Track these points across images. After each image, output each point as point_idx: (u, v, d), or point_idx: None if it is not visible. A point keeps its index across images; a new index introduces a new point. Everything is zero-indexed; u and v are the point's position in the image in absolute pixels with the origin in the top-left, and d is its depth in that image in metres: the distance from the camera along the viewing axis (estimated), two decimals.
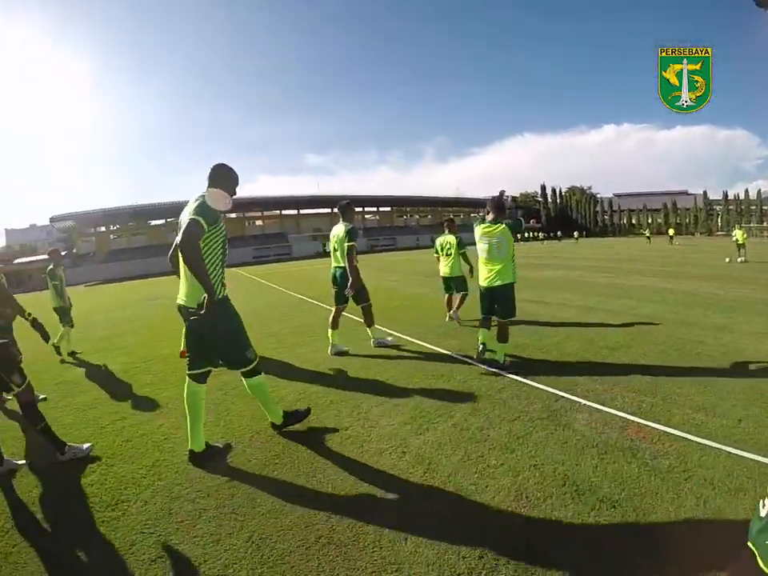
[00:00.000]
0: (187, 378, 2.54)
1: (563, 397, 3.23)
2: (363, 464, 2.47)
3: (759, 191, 57.11)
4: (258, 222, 58.51)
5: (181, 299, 2.48)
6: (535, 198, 73.14)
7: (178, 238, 2.28)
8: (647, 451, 2.41)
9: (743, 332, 4.85)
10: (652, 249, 26.61)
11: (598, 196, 74.82)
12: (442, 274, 6.15)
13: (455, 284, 6.03)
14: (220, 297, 2.39)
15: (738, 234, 16.00)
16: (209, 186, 2.47)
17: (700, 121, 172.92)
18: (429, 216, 62.97)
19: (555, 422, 2.83)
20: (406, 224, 60.62)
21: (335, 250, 4.52)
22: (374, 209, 59.34)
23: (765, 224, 49.56)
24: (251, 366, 2.59)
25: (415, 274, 15.01)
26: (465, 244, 6.06)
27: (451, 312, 6.08)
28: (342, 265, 4.44)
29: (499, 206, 3.84)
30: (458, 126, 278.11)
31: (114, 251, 47.00)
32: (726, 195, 60.60)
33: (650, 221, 62.66)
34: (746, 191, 58.59)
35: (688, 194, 67.41)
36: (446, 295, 6.21)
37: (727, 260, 14.55)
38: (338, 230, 4.49)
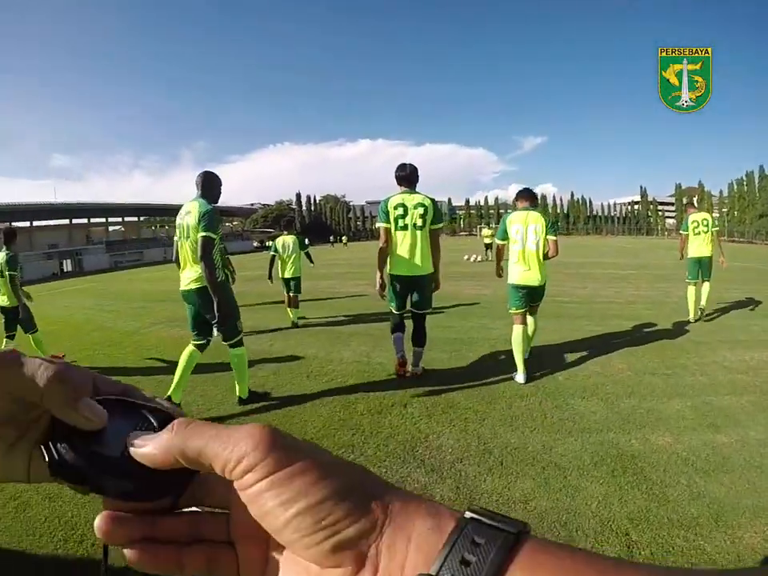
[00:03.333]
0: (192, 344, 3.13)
1: None
2: None
3: (497, 198, 74.28)
4: None
5: (188, 285, 3.06)
6: (290, 206, 71.62)
7: (200, 252, 2.87)
8: None
9: None
10: None
11: (351, 204, 78.42)
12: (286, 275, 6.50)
13: (294, 284, 6.38)
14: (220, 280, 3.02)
15: (486, 234, 16.34)
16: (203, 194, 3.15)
17: (447, 141, 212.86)
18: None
19: None
20: (154, 235, 52.16)
21: None
22: (119, 219, 49.26)
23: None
24: (237, 338, 3.15)
25: (139, 300, 10.27)
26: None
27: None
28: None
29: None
30: (219, 133, 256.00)
31: None
32: (467, 202, 75.98)
33: None
34: (486, 198, 74.87)
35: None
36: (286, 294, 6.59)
37: (466, 257, 16.01)
38: None
